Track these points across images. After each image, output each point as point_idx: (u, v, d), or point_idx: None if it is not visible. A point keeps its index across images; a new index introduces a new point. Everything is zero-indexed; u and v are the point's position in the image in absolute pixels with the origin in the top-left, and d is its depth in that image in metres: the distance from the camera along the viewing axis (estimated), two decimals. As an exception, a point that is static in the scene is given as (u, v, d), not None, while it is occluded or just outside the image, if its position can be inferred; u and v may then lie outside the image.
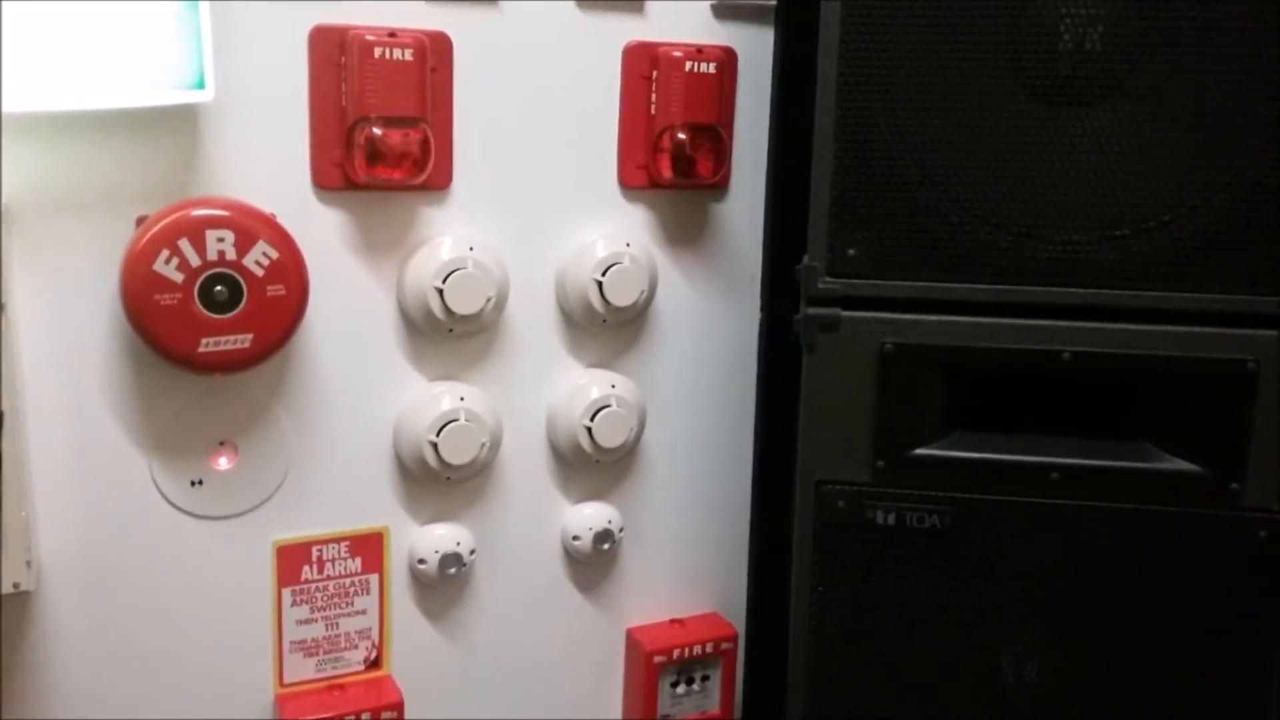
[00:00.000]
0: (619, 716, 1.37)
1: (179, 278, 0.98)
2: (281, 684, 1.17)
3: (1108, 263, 1.03)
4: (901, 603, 1.13)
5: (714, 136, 1.22)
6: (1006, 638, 1.13)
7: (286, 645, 1.16)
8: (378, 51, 1.04)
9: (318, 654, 1.18)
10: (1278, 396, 1.03)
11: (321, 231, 1.08)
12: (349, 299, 1.12)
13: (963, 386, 1.09)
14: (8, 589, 0.96)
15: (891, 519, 1.11)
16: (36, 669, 1.06)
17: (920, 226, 1.04)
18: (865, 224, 1.05)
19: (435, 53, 1.08)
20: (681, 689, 1.36)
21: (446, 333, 1.15)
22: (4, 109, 0.91)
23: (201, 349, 1.00)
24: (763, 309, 1.32)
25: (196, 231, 0.98)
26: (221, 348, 1.00)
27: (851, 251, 1.05)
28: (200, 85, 0.97)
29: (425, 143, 1.08)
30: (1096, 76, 0.99)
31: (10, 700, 1.05)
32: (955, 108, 1.02)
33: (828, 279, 1.06)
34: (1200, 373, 1.04)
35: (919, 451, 1.09)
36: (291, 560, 1.15)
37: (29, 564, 0.97)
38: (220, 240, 0.99)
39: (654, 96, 1.20)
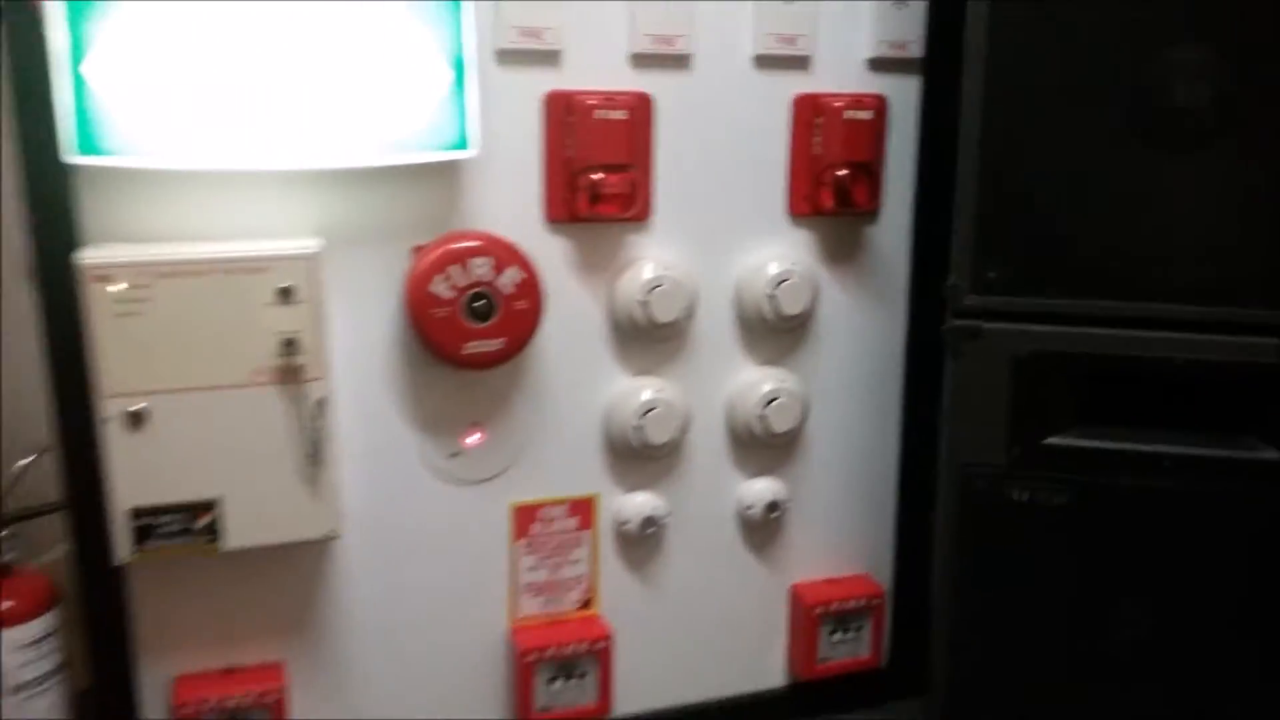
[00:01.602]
0: (783, 657, 1.60)
1: (449, 295, 1.25)
2: (514, 618, 1.45)
3: (1210, 283, 1.20)
4: (1029, 569, 1.32)
5: (869, 171, 1.43)
6: (1121, 602, 1.31)
7: (519, 587, 1.44)
8: (597, 113, 1.29)
9: (542, 595, 1.45)
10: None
11: (551, 256, 1.34)
12: (570, 310, 1.37)
13: (1087, 387, 1.28)
14: (323, 533, 1.26)
15: (1025, 496, 1.30)
16: (331, 596, 1.36)
17: (1050, 252, 1.23)
18: (1003, 250, 1.24)
19: (641, 110, 1.32)
20: (837, 637, 1.59)
21: (647, 337, 1.40)
22: (321, 165, 1.20)
23: (465, 351, 1.27)
24: (908, 317, 1.54)
25: (463, 259, 1.25)
26: (480, 350, 1.28)
27: (991, 274, 1.25)
28: (463, 145, 1.24)
29: (633, 184, 1.33)
30: (1203, 127, 1.17)
31: (312, 620, 1.35)
32: (1081, 153, 1.21)
33: (971, 295, 1.26)
34: (1294, 376, 1.21)
35: (1049, 440, 1.28)
36: (524, 518, 1.42)
37: (338, 515, 1.26)
38: (480, 266, 1.26)
39: (818, 139, 1.41)
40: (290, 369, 1.19)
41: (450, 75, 1.19)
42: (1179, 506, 1.26)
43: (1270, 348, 1.20)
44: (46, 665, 1.29)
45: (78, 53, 1.06)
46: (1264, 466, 1.24)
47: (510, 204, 1.32)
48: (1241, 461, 1.24)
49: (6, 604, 1.26)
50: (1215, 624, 1.29)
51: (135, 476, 1.16)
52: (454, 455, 1.37)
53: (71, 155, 1.09)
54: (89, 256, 1.11)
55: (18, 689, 1.26)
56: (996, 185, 1.23)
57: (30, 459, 1.31)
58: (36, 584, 1.30)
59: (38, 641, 1.28)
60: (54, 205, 1.13)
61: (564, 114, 1.30)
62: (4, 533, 1.28)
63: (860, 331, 1.52)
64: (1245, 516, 1.25)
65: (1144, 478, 1.27)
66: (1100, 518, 1.29)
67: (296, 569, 1.33)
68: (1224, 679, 1.31)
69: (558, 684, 1.44)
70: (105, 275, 1.11)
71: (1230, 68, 1.16)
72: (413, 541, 1.38)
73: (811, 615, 1.56)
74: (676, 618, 1.53)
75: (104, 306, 1.11)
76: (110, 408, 1.14)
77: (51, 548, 1.40)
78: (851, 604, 1.57)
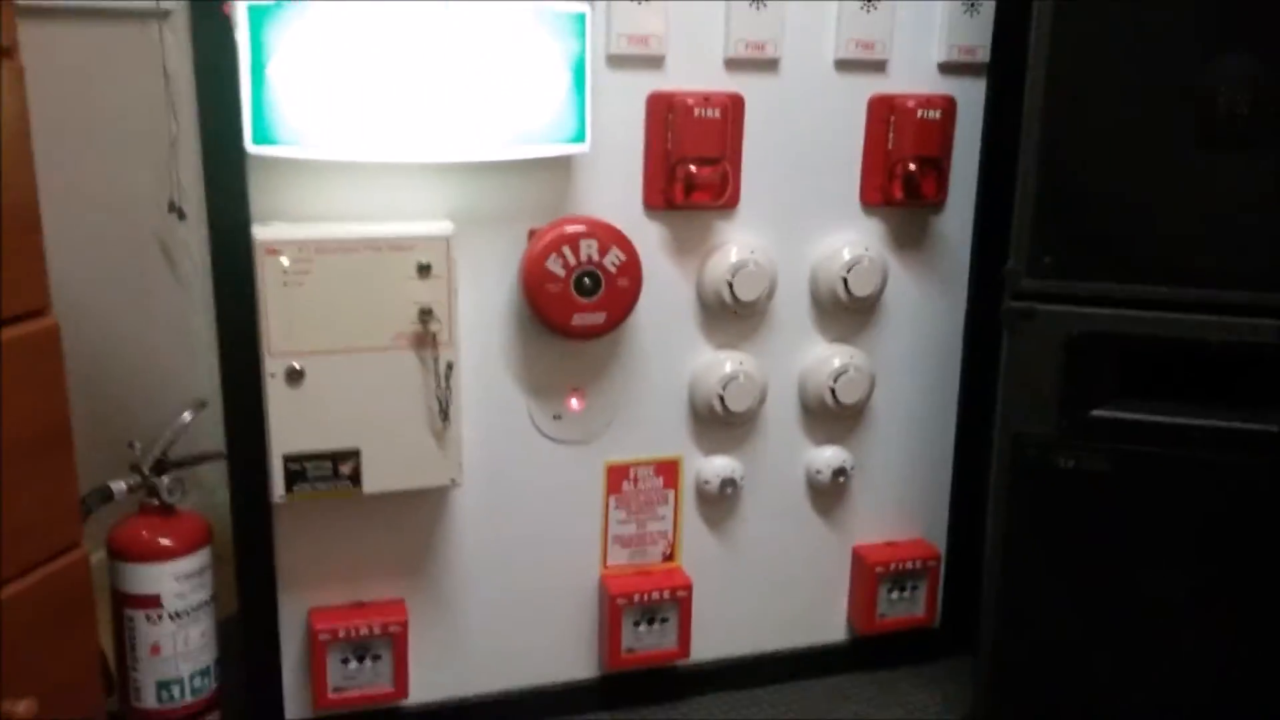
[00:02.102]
0: (844, 613, 1.75)
1: (561, 273, 1.41)
2: (605, 566, 1.61)
3: (1247, 271, 1.33)
4: (1073, 532, 1.45)
5: (936, 166, 1.57)
6: (1159, 561, 1.45)
7: (610, 538, 1.60)
8: (695, 111, 1.45)
9: (630, 546, 1.61)
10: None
11: (648, 240, 1.49)
12: (663, 289, 1.53)
13: (1131, 364, 1.41)
14: (447, 482, 1.42)
15: (1072, 463, 1.44)
16: (448, 541, 1.52)
17: (1100, 240, 1.37)
18: (1058, 237, 1.38)
19: (733, 109, 1.48)
20: (895, 595, 1.73)
21: (731, 314, 1.55)
22: (457, 158, 1.36)
23: (574, 322, 1.43)
24: (968, 300, 1.68)
25: (574, 241, 1.41)
26: (587, 322, 1.43)
27: (1047, 259, 1.38)
28: (580, 139, 1.39)
29: (724, 175, 1.48)
30: (1246, 131, 1.30)
31: (430, 561, 1.52)
32: (1130, 151, 1.34)
33: (1028, 279, 1.40)
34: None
35: (1095, 413, 1.42)
36: (616, 476, 1.58)
37: (460, 466, 1.42)
38: (588, 247, 1.42)
39: (891, 135, 1.56)
40: (426, 335, 1.35)
41: (570, 78, 1.35)
42: (1210, 475, 1.39)
43: (1298, 330, 1.34)
44: (202, 595, 1.46)
45: (258, 54, 1.23)
46: (1291, 438, 1.37)
47: (614, 192, 1.47)
48: (1267, 434, 1.37)
49: (167, 540, 1.43)
50: (1242, 583, 1.42)
51: (291, 426, 1.33)
52: (557, 417, 1.53)
53: (250, 146, 1.26)
54: (262, 233, 1.28)
55: (175, 616, 1.43)
56: (1052, 179, 1.37)
57: (192, 413, 1.48)
58: (194, 523, 1.47)
59: (194, 575, 1.45)
60: (231, 188, 1.30)
61: (665, 112, 1.45)
62: (167, 478, 1.45)
63: (924, 312, 1.67)
64: (1272, 485, 1.38)
65: (1178, 448, 1.40)
66: (1138, 484, 1.42)
67: (418, 515, 1.49)
68: (1251, 633, 1.43)
69: (642, 628, 1.60)
70: (276, 249, 1.27)
71: (1271, 75, 1.29)
72: (519, 494, 1.54)
73: (872, 574, 1.70)
74: (749, 573, 1.68)
75: (274, 276, 1.28)
76: (274, 365, 1.31)
77: (211, 492, 1.57)
78: (909, 565, 1.72)
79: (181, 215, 1.72)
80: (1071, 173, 1.37)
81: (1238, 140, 1.31)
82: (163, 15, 1.72)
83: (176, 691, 1.45)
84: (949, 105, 1.56)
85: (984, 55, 1.57)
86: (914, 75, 1.56)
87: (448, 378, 1.37)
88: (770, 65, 1.50)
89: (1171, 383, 1.41)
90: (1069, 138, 1.36)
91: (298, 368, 1.31)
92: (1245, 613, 1.43)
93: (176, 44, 1.74)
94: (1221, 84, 1.30)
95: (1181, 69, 1.31)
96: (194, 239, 1.80)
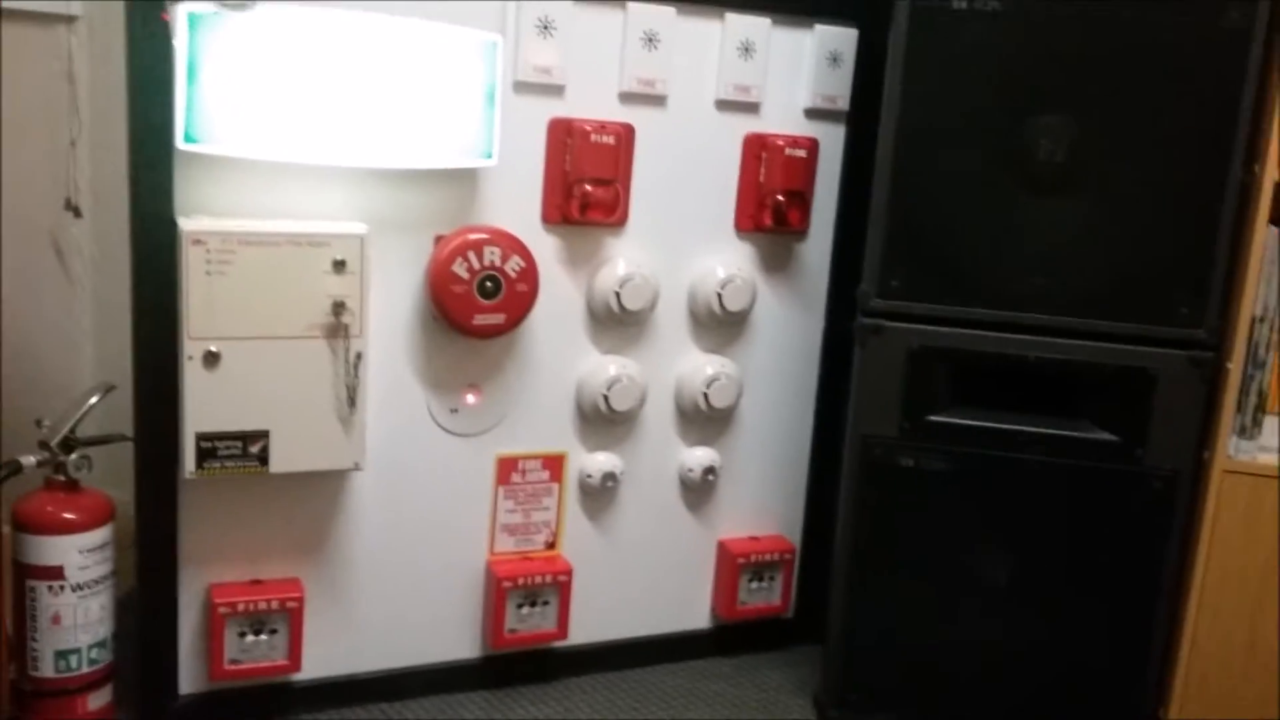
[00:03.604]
0: (710, 599, 1.91)
1: (466, 275, 1.54)
2: (492, 552, 1.73)
3: (1062, 299, 1.56)
4: (914, 524, 1.66)
5: (801, 198, 1.77)
6: (988, 550, 1.65)
7: (498, 526, 1.72)
8: (592, 137, 1.60)
9: (516, 534, 1.74)
10: (1169, 394, 1.57)
11: (544, 251, 1.64)
12: (556, 296, 1.67)
13: (964, 376, 1.62)
14: (350, 465, 1.52)
15: (912, 463, 1.64)
16: (345, 523, 1.62)
17: (941, 268, 1.58)
18: (904, 264, 1.58)
19: (625, 137, 1.64)
20: (755, 585, 1.90)
21: (618, 322, 1.70)
22: (374, 165, 1.48)
23: (475, 322, 1.56)
24: (826, 317, 1.87)
25: (479, 248, 1.54)
26: (487, 322, 1.56)
27: (894, 282, 1.59)
28: (489, 155, 1.53)
29: (616, 196, 1.64)
30: (1061, 177, 1.53)
31: (327, 542, 1.61)
32: (967, 191, 1.55)
33: (877, 300, 1.60)
34: (1119, 373, 1.57)
35: (932, 418, 1.62)
36: (506, 468, 1.70)
37: (363, 450, 1.53)
38: (491, 253, 1.55)
39: (762, 169, 1.74)
40: (338, 326, 1.46)
41: (482, 99, 1.49)
42: (1032, 473, 1.61)
43: (1102, 350, 1.56)
44: (104, 569, 1.52)
45: (192, 58, 1.33)
46: (1096, 444, 1.60)
47: (515, 206, 1.61)
48: (1079, 440, 1.60)
49: (72, 514, 1.49)
50: (1058, 567, 1.64)
51: (205, 406, 1.42)
52: (454, 411, 1.65)
53: (180, 143, 1.35)
54: (187, 224, 1.37)
55: (78, 588, 1.49)
56: (900, 215, 1.58)
57: (98, 395, 1.54)
58: (98, 500, 1.53)
59: (96, 549, 1.51)
60: (158, 182, 1.39)
61: (564, 136, 1.60)
62: (74, 456, 1.50)
63: (787, 327, 1.85)
64: (1081, 482, 1.61)
65: (1005, 449, 1.62)
66: (970, 481, 1.63)
67: (318, 498, 1.59)
68: (1062, 612, 1.65)
69: (525, 610, 1.73)
70: (201, 240, 1.37)
71: (1080, 130, 1.52)
72: (414, 481, 1.65)
73: (735, 565, 1.87)
74: (625, 561, 1.83)
75: (197, 265, 1.37)
76: (192, 348, 1.39)
77: (115, 471, 1.62)
78: (768, 557, 1.89)
79: (78, 213, 1.77)
80: (917, 209, 1.58)
81: (1056, 185, 1.53)
82: (69, 20, 1.79)
83: (75, 661, 1.50)
84: (813, 145, 1.76)
85: (844, 104, 1.78)
86: (783, 117, 1.76)
87: (356, 367, 1.48)
88: (659, 100, 1.67)
89: (998, 393, 1.62)
90: (915, 179, 1.57)
91: (214, 351, 1.40)
92: (1054, 591, 1.64)
93: (81, 47, 1.81)
94: (1042, 137, 1.53)
95: (1009, 123, 1.53)
96: (86, 237, 1.86)
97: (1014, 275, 1.57)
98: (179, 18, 1.32)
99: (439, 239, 1.56)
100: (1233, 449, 1.58)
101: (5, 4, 1.77)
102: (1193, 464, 1.59)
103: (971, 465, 1.63)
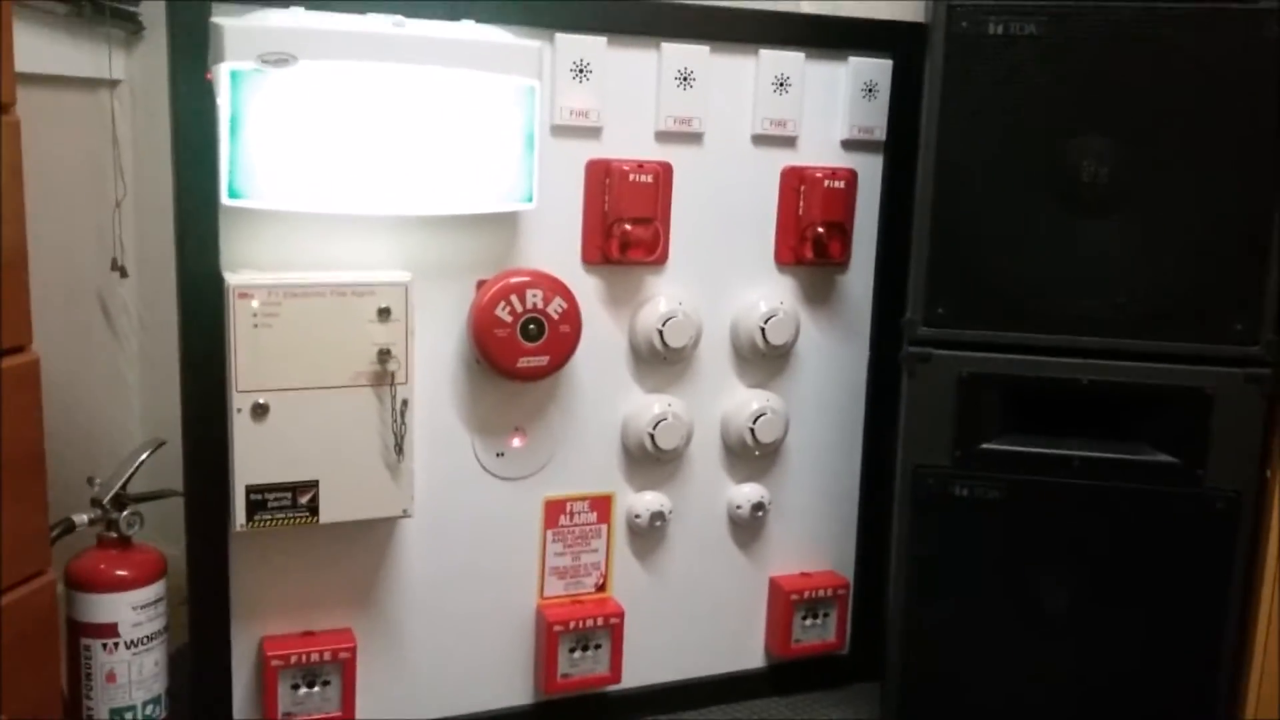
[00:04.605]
0: (763, 638, 1.88)
1: (509, 319, 1.54)
2: (542, 596, 1.71)
3: (1112, 320, 1.53)
4: (970, 554, 1.62)
5: (842, 230, 1.76)
6: (1047, 579, 1.62)
7: (547, 569, 1.71)
8: (630, 177, 1.61)
9: (566, 577, 1.72)
10: (1227, 412, 1.54)
11: (585, 291, 1.63)
12: (599, 337, 1.66)
13: (1016, 402, 1.59)
14: (399, 512, 1.52)
15: (965, 492, 1.61)
16: (395, 571, 1.61)
17: (987, 293, 1.56)
18: (949, 291, 1.56)
19: (663, 175, 1.64)
20: (809, 622, 1.87)
21: (661, 360, 1.70)
22: (415, 212, 1.49)
23: (519, 365, 1.56)
24: (871, 348, 1.86)
25: (521, 291, 1.54)
26: (531, 365, 1.56)
27: (940, 309, 1.57)
28: (529, 198, 1.54)
29: (656, 234, 1.64)
30: (1106, 197, 1.51)
31: (377, 590, 1.60)
32: (1010, 215, 1.53)
33: (924, 328, 1.58)
34: (1175, 394, 1.54)
35: (985, 445, 1.60)
36: (554, 511, 1.69)
37: (411, 497, 1.52)
38: (533, 296, 1.55)
39: (801, 202, 1.74)
40: (384, 374, 1.46)
41: (521, 143, 1.50)
42: (1089, 499, 1.58)
43: (1157, 370, 1.54)
44: (157, 625, 1.52)
45: (235, 115, 1.35)
46: (1154, 467, 1.57)
47: (556, 248, 1.62)
48: (1136, 463, 1.57)
49: (125, 571, 1.49)
50: (1120, 594, 1.60)
51: (254, 459, 1.42)
52: (500, 455, 1.64)
53: (225, 199, 1.37)
54: (234, 278, 1.38)
55: (131, 645, 1.49)
56: (943, 242, 1.56)
57: (148, 451, 1.55)
58: (150, 556, 1.53)
59: (150, 605, 1.51)
60: (204, 238, 1.40)
61: (603, 176, 1.61)
62: (126, 512, 1.51)
63: (832, 360, 1.84)
64: (1141, 506, 1.57)
65: (1060, 475, 1.59)
66: (1026, 509, 1.60)
67: (367, 547, 1.58)
68: (1125, 639, 1.61)
69: (577, 654, 1.71)
70: (247, 293, 1.38)
71: (1123, 149, 1.51)
72: (463, 526, 1.64)
73: (787, 602, 1.84)
74: (676, 602, 1.80)
75: (244, 318, 1.38)
76: (241, 401, 1.40)
77: (166, 526, 1.63)
78: (821, 594, 1.87)
79: (124, 274, 1.80)
80: (959, 236, 1.56)
81: (1100, 206, 1.52)
82: (112, 84, 1.82)
83: (130, 718, 1.50)
84: (851, 177, 1.75)
85: (880, 134, 1.77)
86: (820, 150, 1.75)
87: (403, 414, 1.48)
88: (695, 138, 1.67)
89: (1050, 418, 1.60)
90: (956, 206, 1.55)
91: (263, 403, 1.41)
92: (1115, 618, 1.60)
93: (124, 110, 1.84)
94: (1084, 158, 1.52)
95: (1050, 146, 1.52)
96: (132, 296, 1.89)
97: (1062, 298, 1.55)
98: (221, 76, 1.33)
99: (481, 283, 1.56)
100: (1295, 466, 1.55)
101: (48, 70, 1.82)
102: (1255, 483, 1.55)
103: (1027, 492, 1.60)
